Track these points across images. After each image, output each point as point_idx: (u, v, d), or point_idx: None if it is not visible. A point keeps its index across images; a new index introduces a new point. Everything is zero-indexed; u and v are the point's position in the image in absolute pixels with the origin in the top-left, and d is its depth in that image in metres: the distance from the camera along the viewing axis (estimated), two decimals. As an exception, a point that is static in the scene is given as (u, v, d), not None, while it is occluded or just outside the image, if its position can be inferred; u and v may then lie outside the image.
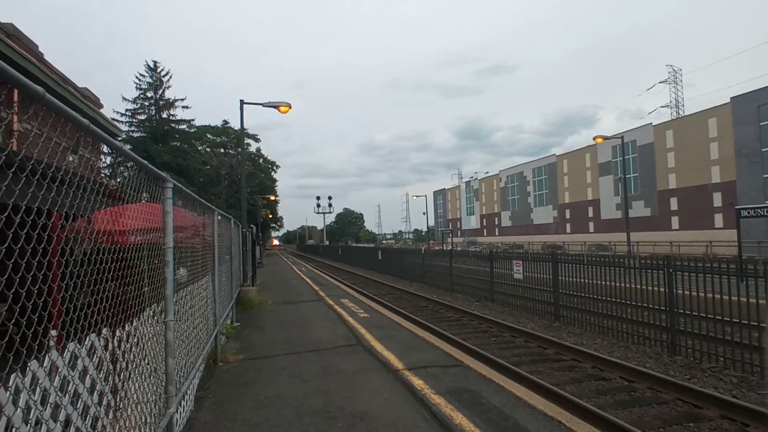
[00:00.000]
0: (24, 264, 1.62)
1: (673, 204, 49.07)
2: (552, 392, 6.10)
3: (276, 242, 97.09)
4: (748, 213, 16.13)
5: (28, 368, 1.77)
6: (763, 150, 38.87)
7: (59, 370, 2.00)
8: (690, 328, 8.13)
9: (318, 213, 55.39)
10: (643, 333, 8.95)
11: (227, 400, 5.07)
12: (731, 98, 41.95)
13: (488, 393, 5.10)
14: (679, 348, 8.16)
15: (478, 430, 4.10)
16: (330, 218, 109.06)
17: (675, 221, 48.78)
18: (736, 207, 17.65)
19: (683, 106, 60.70)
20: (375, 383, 5.54)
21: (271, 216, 57.79)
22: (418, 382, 5.47)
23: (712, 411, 5.67)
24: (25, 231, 1.63)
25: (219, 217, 6.90)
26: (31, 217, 1.69)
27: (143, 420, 2.93)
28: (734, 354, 7.24)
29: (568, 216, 66.83)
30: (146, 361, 3.12)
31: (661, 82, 62.47)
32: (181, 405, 4.03)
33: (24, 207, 1.63)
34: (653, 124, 52.52)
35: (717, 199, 43.71)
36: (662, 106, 62.61)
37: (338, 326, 9.29)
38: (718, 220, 43.18)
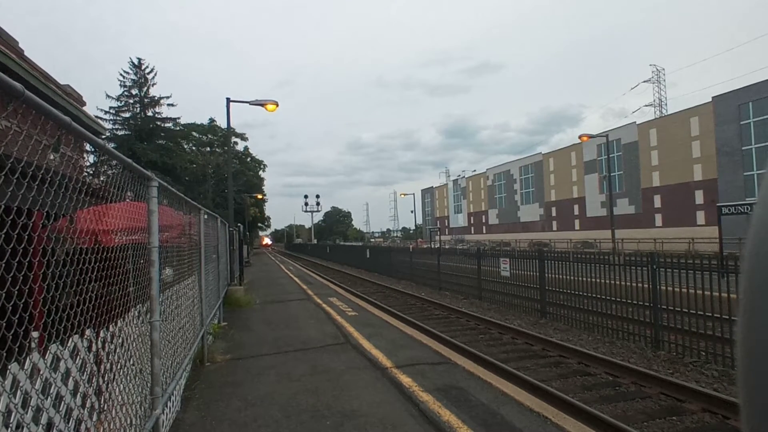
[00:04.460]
0: (4, 264, 1.59)
1: (657, 201, 49.88)
2: (539, 388, 6.17)
3: (267, 241, 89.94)
4: (729, 210, 16.47)
5: (8, 371, 1.74)
6: (743, 148, 39.70)
7: (41, 372, 1.97)
8: (673, 324, 8.29)
9: (306, 211, 55.24)
10: (628, 329, 9.09)
11: (214, 401, 5.03)
12: (713, 98, 42.74)
13: (476, 390, 5.14)
14: (663, 343, 8.30)
15: (466, 427, 4.13)
16: (318, 217, 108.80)
17: (658, 218, 49.61)
18: (718, 204, 18.00)
19: (666, 105, 61.80)
20: (363, 381, 5.54)
21: (258, 215, 57.41)
22: (406, 380, 5.49)
23: (694, 405, 5.79)
24: (5, 231, 1.60)
25: (205, 216, 6.84)
26: (11, 217, 1.66)
27: (128, 422, 2.89)
28: (715, 348, 7.39)
29: (554, 214, 67.54)
30: (131, 362, 3.08)
31: (644, 82, 63.48)
32: (167, 406, 3.99)
33: (4, 206, 1.60)
34: (637, 122, 53.31)
35: (699, 197, 44.54)
36: (646, 105, 63.74)
37: (326, 325, 9.27)
38: (701, 217, 44.01)
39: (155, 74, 36.45)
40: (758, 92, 38.29)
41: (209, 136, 47.17)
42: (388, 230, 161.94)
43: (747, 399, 0.37)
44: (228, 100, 14.71)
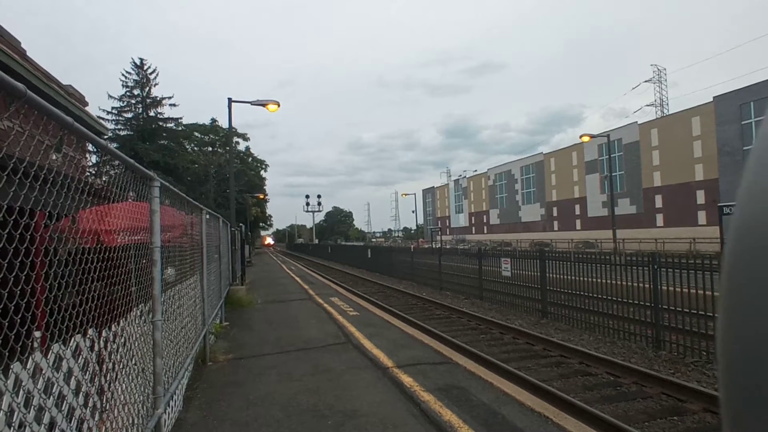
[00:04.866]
0: (6, 264, 1.60)
1: (658, 201, 49.76)
2: (540, 388, 6.16)
3: (269, 241, 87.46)
4: (731, 210, 16.44)
5: (10, 370, 1.75)
6: (744, 148, 39.53)
7: (43, 371, 1.98)
8: (674, 324, 8.27)
9: (307, 211, 55.18)
10: (629, 329, 9.08)
11: (216, 400, 5.04)
12: (714, 97, 42.62)
13: (477, 389, 5.14)
14: (664, 343, 8.29)
15: (467, 427, 4.13)
16: (319, 217, 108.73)
17: (660, 218, 49.49)
18: (719, 204, 17.98)
19: (668, 105, 61.64)
20: (365, 381, 5.55)
21: (260, 214, 57.45)
22: (407, 380, 5.49)
23: (695, 404, 5.78)
24: (7, 231, 1.60)
25: (207, 216, 6.85)
26: (14, 217, 1.66)
27: (130, 421, 2.90)
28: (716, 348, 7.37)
29: (555, 214, 67.43)
30: (133, 362, 3.09)
31: (645, 81, 63.33)
32: (169, 405, 4.00)
33: (6, 206, 1.61)
34: (638, 122, 53.19)
35: (700, 197, 44.41)
36: (647, 105, 63.72)
37: (328, 324, 9.28)
38: (702, 217, 43.88)
39: (157, 74, 36.49)
40: (760, 92, 38.14)
41: (211, 136, 47.24)
42: (390, 230, 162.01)
43: (726, 394, 0.38)
44: (230, 101, 14.73)
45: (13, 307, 1.65)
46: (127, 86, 35.66)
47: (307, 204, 54.76)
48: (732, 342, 0.38)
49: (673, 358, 7.88)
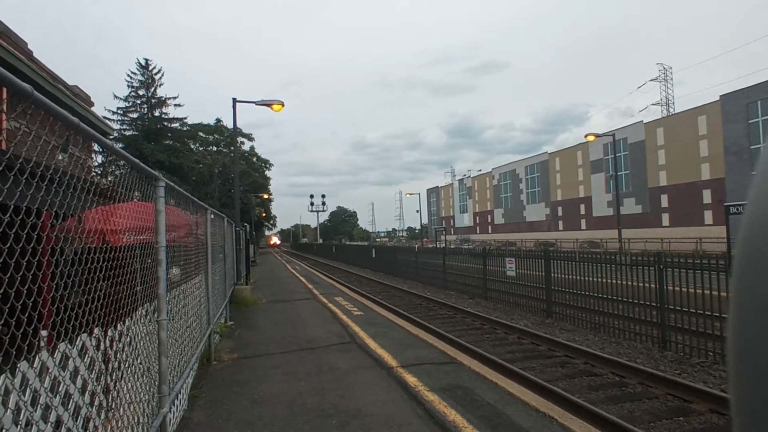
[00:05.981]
0: (13, 264, 1.61)
1: (664, 201, 49.46)
2: (545, 388, 6.14)
3: (275, 240, 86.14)
4: (737, 209, 16.30)
5: (17, 369, 1.76)
6: (751, 147, 39.26)
7: (50, 370, 1.99)
8: (680, 324, 8.22)
9: (312, 211, 55.34)
10: (635, 329, 9.04)
11: (221, 399, 5.06)
12: (720, 96, 42.29)
13: (481, 389, 5.13)
14: (670, 343, 8.24)
15: (472, 427, 4.13)
16: (323, 216, 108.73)
17: (665, 218, 49.18)
18: (726, 204, 17.84)
19: (673, 104, 61.21)
20: (369, 381, 5.55)
21: (264, 214, 57.60)
22: (411, 380, 5.49)
23: (701, 405, 5.74)
24: (14, 230, 1.61)
25: (212, 216, 6.87)
26: (20, 217, 1.67)
27: (136, 420, 2.91)
28: (723, 349, 7.31)
29: (560, 213, 67.17)
30: (139, 361, 3.10)
31: (651, 80, 62.91)
32: (174, 404, 4.01)
33: (13, 206, 1.62)
34: (644, 121, 52.87)
35: (707, 196, 44.10)
36: (653, 104, 63.11)
37: (332, 324, 9.29)
38: (708, 216, 43.57)
39: (162, 74, 36.65)
40: (767, 90, 37.87)
41: (215, 136, 47.39)
42: (394, 230, 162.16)
43: (737, 396, 0.38)
44: (234, 101, 14.79)
45: (20, 306, 1.66)
46: (132, 86, 35.87)
47: (312, 204, 54.92)
48: (743, 342, 0.37)
49: (679, 358, 7.83)
